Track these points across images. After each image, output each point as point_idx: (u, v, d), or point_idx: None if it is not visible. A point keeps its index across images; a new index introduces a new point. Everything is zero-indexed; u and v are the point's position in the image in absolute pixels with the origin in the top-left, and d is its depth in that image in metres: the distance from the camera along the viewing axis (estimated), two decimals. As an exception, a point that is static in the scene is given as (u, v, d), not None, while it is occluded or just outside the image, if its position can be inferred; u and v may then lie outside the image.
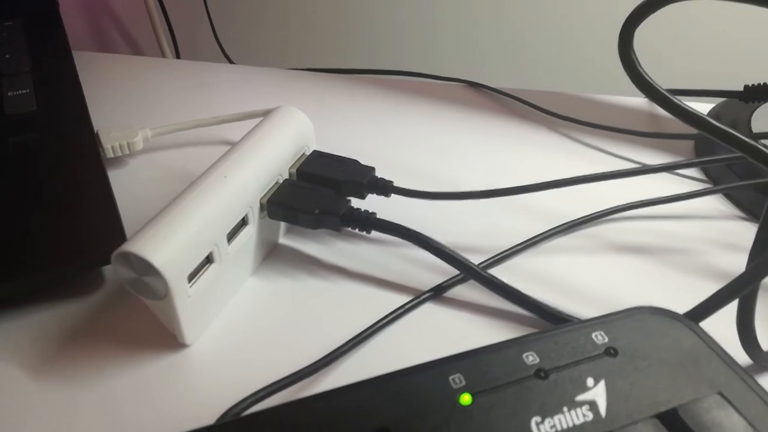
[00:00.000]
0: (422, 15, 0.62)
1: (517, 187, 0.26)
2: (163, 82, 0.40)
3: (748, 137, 0.19)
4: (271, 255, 0.26)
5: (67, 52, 0.35)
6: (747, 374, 0.17)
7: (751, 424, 0.16)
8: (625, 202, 0.28)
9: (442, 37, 0.62)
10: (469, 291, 0.24)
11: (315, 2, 0.64)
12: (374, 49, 0.65)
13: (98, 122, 0.31)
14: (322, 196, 0.24)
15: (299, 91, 0.39)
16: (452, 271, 0.24)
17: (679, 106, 0.19)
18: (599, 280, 0.25)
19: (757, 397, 0.17)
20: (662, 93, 0.19)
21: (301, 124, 0.26)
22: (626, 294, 0.24)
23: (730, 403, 0.16)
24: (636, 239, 0.27)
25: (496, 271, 0.25)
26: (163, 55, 0.61)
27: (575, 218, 0.27)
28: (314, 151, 0.26)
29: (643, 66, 0.20)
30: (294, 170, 0.25)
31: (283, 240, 0.26)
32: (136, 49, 0.66)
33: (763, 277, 0.18)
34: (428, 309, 0.23)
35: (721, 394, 0.16)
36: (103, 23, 0.63)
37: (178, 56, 0.62)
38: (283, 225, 0.26)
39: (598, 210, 0.28)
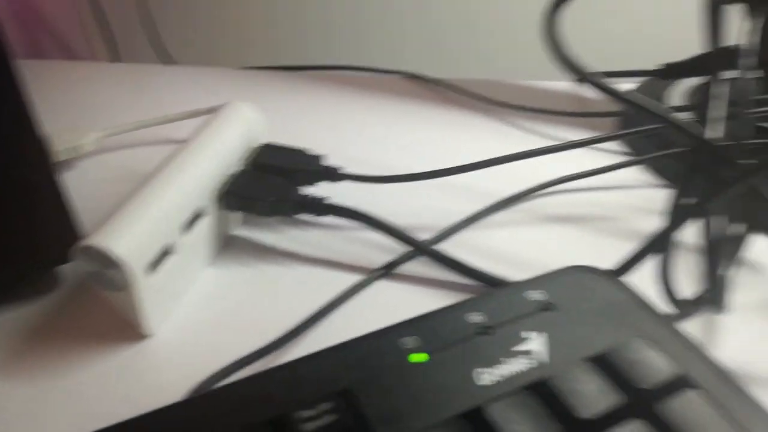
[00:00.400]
0: (362, 10, 0.63)
1: (456, 167, 0.28)
2: (108, 86, 0.40)
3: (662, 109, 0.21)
4: (228, 245, 0.27)
5: (4, 57, 0.35)
6: (666, 319, 0.19)
7: (671, 360, 0.18)
8: (555, 177, 0.30)
9: (382, 31, 0.64)
10: (419, 267, 0.26)
11: (253, 3, 0.64)
12: (317, 45, 0.66)
13: (45, 127, 0.31)
14: (274, 185, 0.25)
15: (244, 89, 0.40)
16: (402, 250, 0.26)
17: (602, 83, 0.21)
18: (536, 249, 0.27)
19: (675, 338, 0.19)
20: (586, 72, 0.21)
21: (251, 118, 0.27)
22: (561, 259, 0.26)
23: (652, 344, 0.18)
24: (567, 210, 0.29)
25: (442, 247, 0.27)
26: (101, 59, 0.61)
27: (511, 194, 0.29)
28: (265, 143, 0.27)
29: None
30: (246, 162, 0.26)
31: (238, 230, 0.27)
32: (71, 55, 0.65)
33: (676, 230, 0.20)
34: (382, 286, 0.25)
35: (644, 337, 0.18)
36: (36, 30, 0.62)
37: (119, 60, 0.62)
38: (237, 215, 0.27)
39: (532, 185, 0.30)
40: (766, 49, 0.27)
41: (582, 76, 0.21)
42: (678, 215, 0.21)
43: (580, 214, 0.29)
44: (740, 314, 0.23)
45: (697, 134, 0.20)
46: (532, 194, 0.30)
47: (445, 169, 0.28)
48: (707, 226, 0.20)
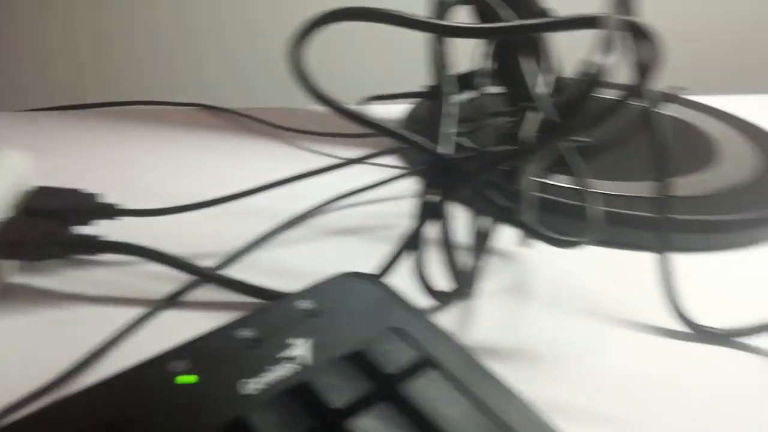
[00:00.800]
0: (155, 44, 0.62)
1: (242, 192, 0.29)
2: None
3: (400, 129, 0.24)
4: (4, 294, 0.25)
5: None
6: (417, 311, 0.22)
7: (417, 346, 0.20)
8: (338, 193, 0.32)
9: (175, 63, 0.64)
10: (206, 293, 0.26)
11: (46, 42, 0.61)
12: (113, 81, 0.64)
13: None
14: (44, 228, 0.25)
15: (27, 133, 0.38)
16: (187, 279, 0.26)
17: (344, 109, 0.23)
18: (322, 262, 0.29)
19: (423, 327, 0.21)
20: (329, 99, 0.23)
21: (17, 163, 0.27)
22: (343, 269, 0.28)
23: (402, 335, 0.20)
24: (349, 223, 0.31)
25: (234, 270, 0.28)
26: None
27: (297, 213, 0.31)
28: (35, 186, 0.27)
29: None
30: (15, 208, 0.25)
31: (14, 278, 0.26)
32: None
33: (422, 228, 0.23)
34: (167, 316, 0.25)
35: (396, 329, 0.21)
36: None
37: None
38: (12, 263, 0.26)
39: (317, 203, 0.32)
40: (501, 69, 0.32)
41: (326, 103, 0.23)
42: (422, 216, 0.23)
43: (361, 226, 0.31)
44: (490, 298, 0.27)
45: (430, 149, 0.23)
46: (318, 211, 0.32)
47: (231, 195, 0.29)
48: (445, 225, 0.23)
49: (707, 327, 0.25)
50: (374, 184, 0.33)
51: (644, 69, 0.19)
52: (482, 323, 0.25)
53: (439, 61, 0.25)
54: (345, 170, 0.35)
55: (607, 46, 0.18)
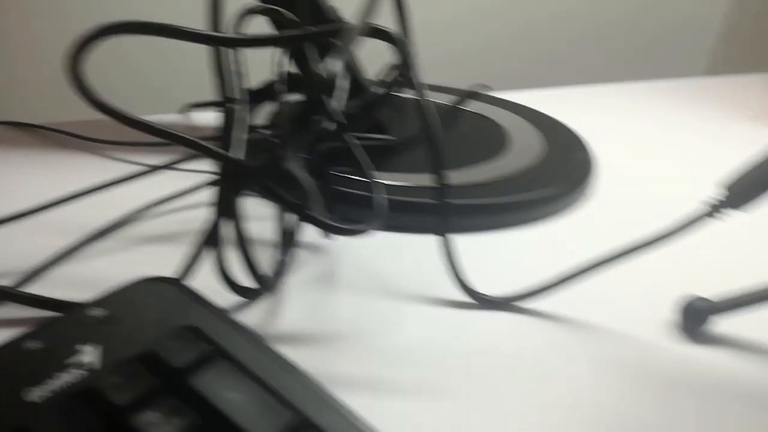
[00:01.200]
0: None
1: (39, 206, 0.29)
2: None
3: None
4: None
5: None
6: (216, 309, 0.23)
7: (212, 341, 0.21)
8: (146, 202, 0.33)
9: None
10: (6, 312, 0.26)
11: None
12: None
13: None
14: None
15: None
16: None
17: (132, 118, 0.24)
18: (132, 271, 0.29)
19: (218, 321, 0.22)
20: (113, 110, 0.24)
21: None
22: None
23: (198, 332, 0.21)
24: (160, 230, 0.32)
25: (39, 286, 0.27)
26: None
27: (106, 224, 0.31)
28: None
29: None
30: None
31: None
32: None
33: (217, 225, 0.24)
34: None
35: (190, 327, 0.22)
36: None
37: None
38: None
39: (127, 212, 0.32)
40: (304, 77, 0.34)
41: (109, 113, 0.23)
42: (217, 214, 0.25)
43: (171, 232, 0.32)
44: (297, 289, 0.28)
45: (220, 153, 0.25)
46: (126, 220, 0.32)
47: (31, 209, 0.29)
48: (238, 223, 0.25)
49: (488, 296, 0.29)
50: (184, 191, 0.34)
51: (398, 68, 0.22)
52: (289, 313, 0.27)
53: (221, 71, 0.26)
54: (157, 178, 0.35)
55: (344, 53, 0.20)
